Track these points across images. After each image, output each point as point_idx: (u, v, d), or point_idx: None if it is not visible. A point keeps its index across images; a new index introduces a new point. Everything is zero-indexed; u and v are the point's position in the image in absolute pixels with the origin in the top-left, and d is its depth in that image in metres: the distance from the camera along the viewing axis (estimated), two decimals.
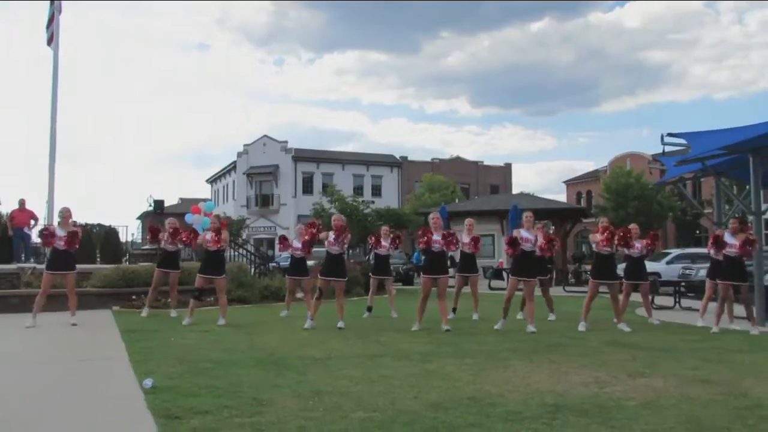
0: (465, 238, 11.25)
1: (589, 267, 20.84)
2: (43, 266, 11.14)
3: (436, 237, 9.45)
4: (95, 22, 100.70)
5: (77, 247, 10.38)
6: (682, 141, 12.63)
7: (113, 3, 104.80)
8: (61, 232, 10.13)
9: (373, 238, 11.84)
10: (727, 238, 9.82)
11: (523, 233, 9.60)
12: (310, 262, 12.41)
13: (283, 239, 12.21)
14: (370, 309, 11.87)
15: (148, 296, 11.76)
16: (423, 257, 10.85)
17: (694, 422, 4.25)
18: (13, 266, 14.04)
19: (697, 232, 42.90)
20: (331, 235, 9.71)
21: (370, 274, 12.47)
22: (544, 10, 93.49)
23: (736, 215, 11.47)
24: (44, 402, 4.99)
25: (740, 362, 6.76)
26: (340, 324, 9.54)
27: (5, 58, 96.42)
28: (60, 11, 16.18)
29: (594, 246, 10.13)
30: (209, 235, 10.54)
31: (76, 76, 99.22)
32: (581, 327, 9.60)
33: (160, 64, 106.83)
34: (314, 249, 11.66)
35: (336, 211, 30.06)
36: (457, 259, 12.17)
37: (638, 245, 10.63)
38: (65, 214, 10.42)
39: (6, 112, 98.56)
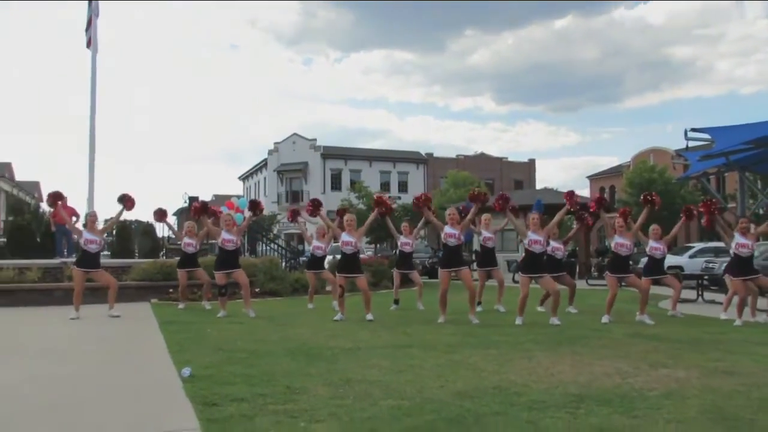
0: (485, 233, 11.30)
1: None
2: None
3: (452, 231, 9.40)
4: (131, 24, 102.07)
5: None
6: (706, 136, 12.48)
7: (147, 6, 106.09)
8: (89, 236, 10.29)
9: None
10: (738, 238, 9.66)
11: (531, 235, 9.46)
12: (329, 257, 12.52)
13: (294, 211, 12.08)
14: (396, 302, 11.90)
15: (180, 293, 11.91)
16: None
17: (717, 412, 4.22)
18: (56, 261, 14.34)
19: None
20: (345, 235, 9.79)
21: (395, 268, 12.50)
22: (568, 8, 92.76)
23: (747, 216, 11.31)
24: (87, 390, 5.12)
25: (763, 354, 6.63)
26: (369, 317, 9.58)
27: (49, 57, 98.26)
28: (98, 15, 16.41)
29: (612, 245, 10.07)
30: (227, 235, 10.56)
31: (113, 77, 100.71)
32: (605, 319, 9.56)
33: (192, 64, 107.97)
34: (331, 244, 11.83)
35: (364, 207, 30.15)
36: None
37: (660, 246, 10.43)
38: (92, 217, 10.65)
39: (49, 110, 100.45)
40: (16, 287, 12.37)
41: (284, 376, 5.32)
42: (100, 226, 11.13)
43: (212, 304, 11.52)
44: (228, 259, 10.62)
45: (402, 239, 11.88)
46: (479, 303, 11.26)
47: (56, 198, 10.70)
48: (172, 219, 48.74)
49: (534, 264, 9.51)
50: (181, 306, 11.59)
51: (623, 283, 10.23)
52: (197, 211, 11.01)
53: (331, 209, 46.26)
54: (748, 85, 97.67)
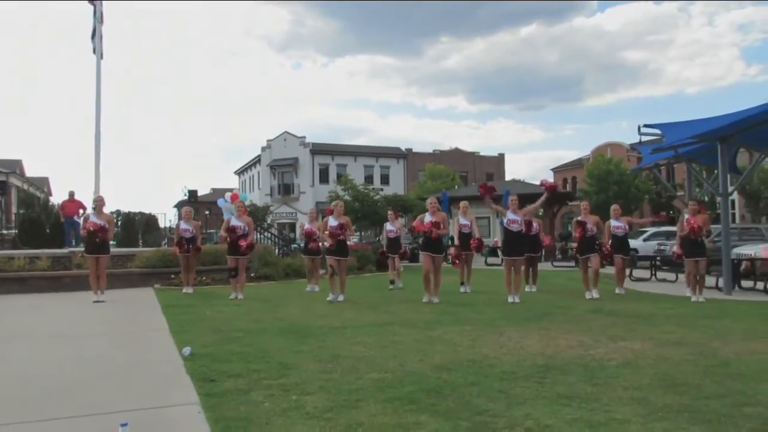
0: (463, 220, 11.24)
1: (574, 245, 20.76)
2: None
3: (431, 220, 9.38)
4: (138, 34, 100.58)
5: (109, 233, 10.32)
6: (657, 131, 12.53)
7: (155, 16, 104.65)
8: (94, 219, 10.05)
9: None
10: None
11: (510, 215, 9.49)
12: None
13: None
14: (392, 282, 11.86)
15: (182, 278, 11.58)
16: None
17: (669, 379, 4.26)
18: (65, 251, 14.12)
19: (671, 212, 42.68)
20: (332, 219, 9.72)
21: (388, 253, 12.42)
22: (533, 16, 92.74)
23: (695, 198, 11.31)
24: (96, 367, 5.05)
25: (709, 327, 6.73)
26: (339, 297, 9.59)
27: (57, 58, 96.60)
28: (102, 22, 16.06)
29: (573, 229, 10.29)
30: (236, 222, 10.49)
31: (119, 79, 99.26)
32: (587, 295, 9.84)
33: (192, 69, 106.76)
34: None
35: (350, 198, 30.07)
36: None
37: (621, 224, 10.58)
38: (99, 202, 10.34)
39: (57, 109, 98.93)
40: (28, 275, 12.18)
41: (277, 354, 5.29)
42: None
43: (195, 289, 11.35)
44: (237, 245, 10.45)
45: (388, 226, 11.87)
46: (462, 283, 11.22)
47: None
48: (173, 211, 48.31)
49: (514, 246, 9.51)
50: (185, 290, 11.17)
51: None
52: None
53: (320, 200, 45.91)
54: (693, 86, 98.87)
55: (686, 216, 9.71)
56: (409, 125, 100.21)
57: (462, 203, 11.61)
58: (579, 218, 10.33)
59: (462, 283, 11.19)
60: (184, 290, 11.29)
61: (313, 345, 5.75)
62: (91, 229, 10.01)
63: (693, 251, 9.58)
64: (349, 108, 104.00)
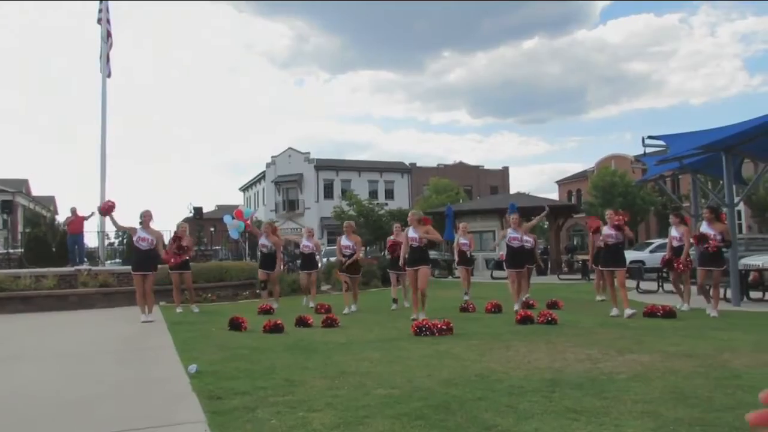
0: (462, 240, 12.18)
1: (581, 257, 20.69)
2: (127, 267, 11.00)
3: (414, 234, 8.98)
4: (143, 49, 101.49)
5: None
6: (661, 142, 12.54)
7: (157, 35, 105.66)
8: (142, 233, 9.67)
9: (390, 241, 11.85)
10: (704, 228, 9.39)
11: (510, 233, 10.11)
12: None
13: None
14: (395, 300, 11.46)
15: (174, 296, 11.35)
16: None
17: (679, 392, 4.21)
18: (71, 269, 14.15)
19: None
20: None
21: (388, 269, 12.32)
22: (535, 30, 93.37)
23: (708, 206, 10.90)
24: (103, 386, 5.02)
25: (719, 338, 6.67)
26: (352, 308, 10.51)
27: (63, 78, 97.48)
28: (111, 46, 16.26)
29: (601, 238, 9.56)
30: (264, 240, 11.55)
31: (124, 97, 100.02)
32: (627, 312, 8.87)
33: (196, 86, 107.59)
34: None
35: (355, 213, 30.10)
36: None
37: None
38: (147, 217, 9.82)
39: (63, 129, 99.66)
40: (34, 294, 12.20)
41: (283, 370, 5.26)
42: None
43: (199, 306, 11.36)
44: (267, 261, 11.54)
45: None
46: (466, 293, 11.77)
47: (109, 209, 10.12)
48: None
49: (515, 259, 10.19)
50: (178, 309, 10.85)
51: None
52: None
53: (324, 216, 45.91)
54: (697, 97, 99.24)
55: (704, 227, 9.38)
56: (412, 140, 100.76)
57: (462, 225, 12.54)
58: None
59: (465, 293, 11.84)
60: (177, 309, 10.88)
61: (319, 361, 5.72)
62: (143, 247, 9.63)
63: (705, 260, 9.28)
64: (352, 123, 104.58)
